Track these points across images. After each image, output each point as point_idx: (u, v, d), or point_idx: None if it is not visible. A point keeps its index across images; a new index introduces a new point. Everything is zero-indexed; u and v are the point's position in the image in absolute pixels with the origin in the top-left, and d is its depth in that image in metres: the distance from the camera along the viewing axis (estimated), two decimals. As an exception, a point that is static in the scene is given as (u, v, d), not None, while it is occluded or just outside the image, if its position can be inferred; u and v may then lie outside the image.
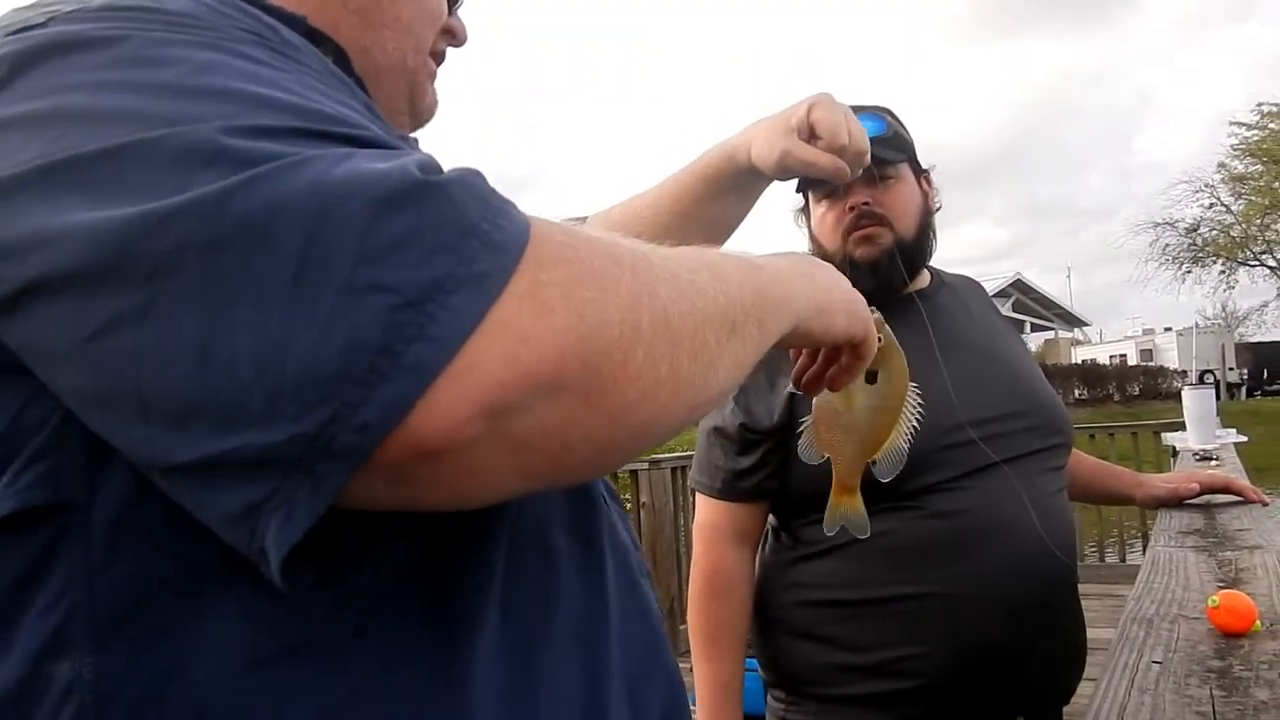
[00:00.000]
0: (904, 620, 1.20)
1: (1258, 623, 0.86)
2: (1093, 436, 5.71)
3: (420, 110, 0.68)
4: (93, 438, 0.39)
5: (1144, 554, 1.34)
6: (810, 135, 0.86)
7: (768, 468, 1.29)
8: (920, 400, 0.87)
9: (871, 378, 0.83)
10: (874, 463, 0.88)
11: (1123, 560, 5.43)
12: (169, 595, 0.41)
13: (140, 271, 0.35)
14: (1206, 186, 30.88)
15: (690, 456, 1.48)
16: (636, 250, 0.42)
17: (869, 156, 0.88)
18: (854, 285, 1.31)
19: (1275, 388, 29.85)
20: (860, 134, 0.85)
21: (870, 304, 1.37)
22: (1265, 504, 1.54)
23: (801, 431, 0.89)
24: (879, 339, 0.83)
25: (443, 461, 0.36)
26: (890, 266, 1.30)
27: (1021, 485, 1.22)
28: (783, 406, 1.27)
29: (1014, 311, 28.29)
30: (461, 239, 0.36)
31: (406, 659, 0.44)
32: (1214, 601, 0.88)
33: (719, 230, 0.97)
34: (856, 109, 1.35)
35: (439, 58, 0.69)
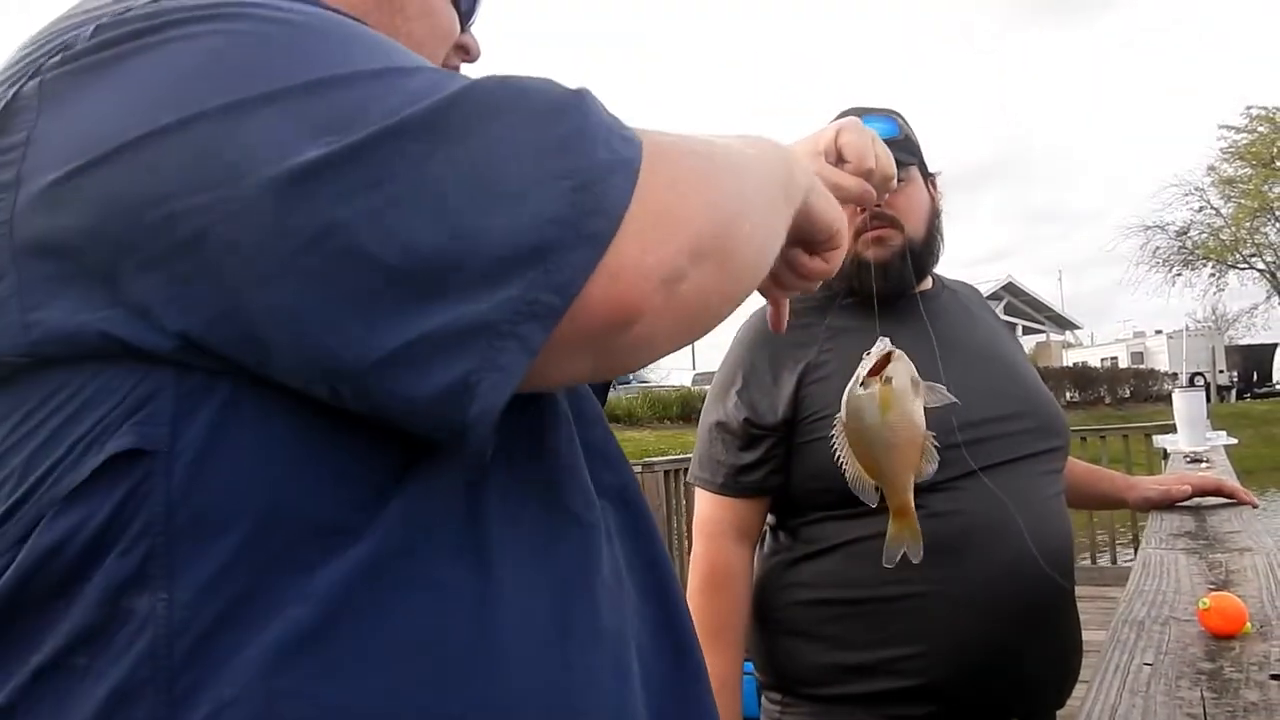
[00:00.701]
0: (903, 620, 1.21)
1: (1248, 625, 0.86)
2: (1084, 439, 5.73)
3: None
4: (184, 392, 0.44)
5: (1135, 556, 1.34)
6: (838, 159, 0.87)
7: (771, 463, 1.30)
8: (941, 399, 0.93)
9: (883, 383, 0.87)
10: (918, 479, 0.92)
11: (1114, 562, 5.46)
12: (238, 537, 0.44)
13: (375, 162, 0.42)
14: (1196, 190, 31.08)
15: (682, 459, 1.49)
16: (709, 142, 0.52)
17: (895, 181, 0.90)
18: (865, 286, 1.30)
19: (1265, 390, 30.00)
20: (887, 158, 0.86)
21: (881, 305, 1.40)
22: (1256, 506, 1.54)
23: (844, 469, 0.94)
24: (878, 357, 0.87)
25: (631, 331, 0.44)
26: (901, 268, 1.32)
27: (1022, 486, 1.23)
28: (787, 402, 1.28)
29: (1005, 314, 28.36)
30: (609, 134, 0.45)
31: (447, 582, 0.48)
32: (1204, 604, 0.88)
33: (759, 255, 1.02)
34: (868, 111, 1.39)
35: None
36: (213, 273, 0.42)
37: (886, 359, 0.95)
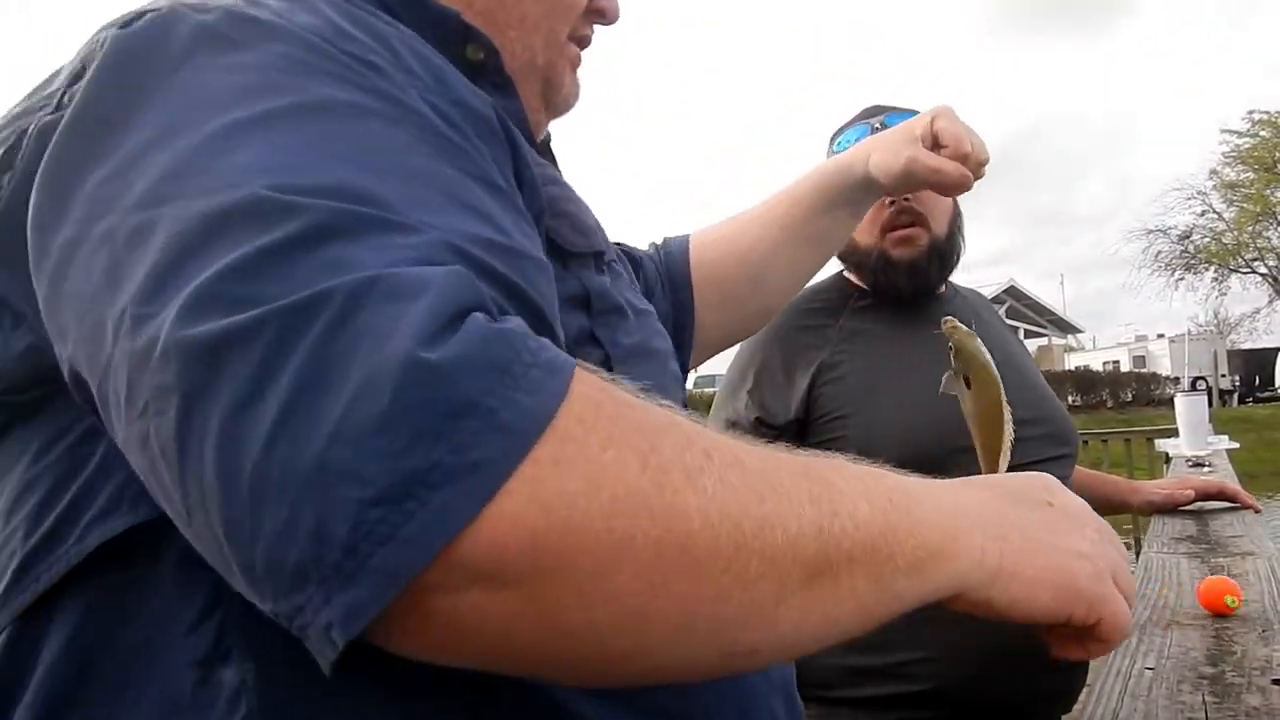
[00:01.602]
0: (918, 623, 1.19)
1: (1229, 598, 0.93)
2: (1086, 443, 5.72)
3: (556, 103, 0.66)
4: None
5: (1137, 560, 1.34)
6: (934, 145, 0.87)
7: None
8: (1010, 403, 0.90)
9: (967, 383, 0.84)
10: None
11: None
12: None
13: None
14: (1199, 194, 31.03)
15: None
16: (702, 449, 0.35)
17: (986, 169, 0.90)
18: (891, 284, 1.28)
19: (1267, 395, 29.95)
20: (981, 145, 0.87)
21: (902, 305, 1.31)
22: (1259, 510, 1.54)
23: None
24: (951, 346, 0.84)
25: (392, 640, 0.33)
26: (928, 268, 1.31)
27: None
28: (800, 402, 1.27)
29: (1007, 317, 28.31)
30: (454, 421, 0.30)
31: None
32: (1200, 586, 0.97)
33: (827, 246, 0.99)
34: (894, 110, 1.39)
35: (584, 42, 0.67)
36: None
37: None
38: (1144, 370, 29.25)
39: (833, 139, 1.44)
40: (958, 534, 0.43)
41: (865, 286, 1.35)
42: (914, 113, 1.39)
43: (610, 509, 0.32)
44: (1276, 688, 0.69)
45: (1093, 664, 0.85)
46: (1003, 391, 0.85)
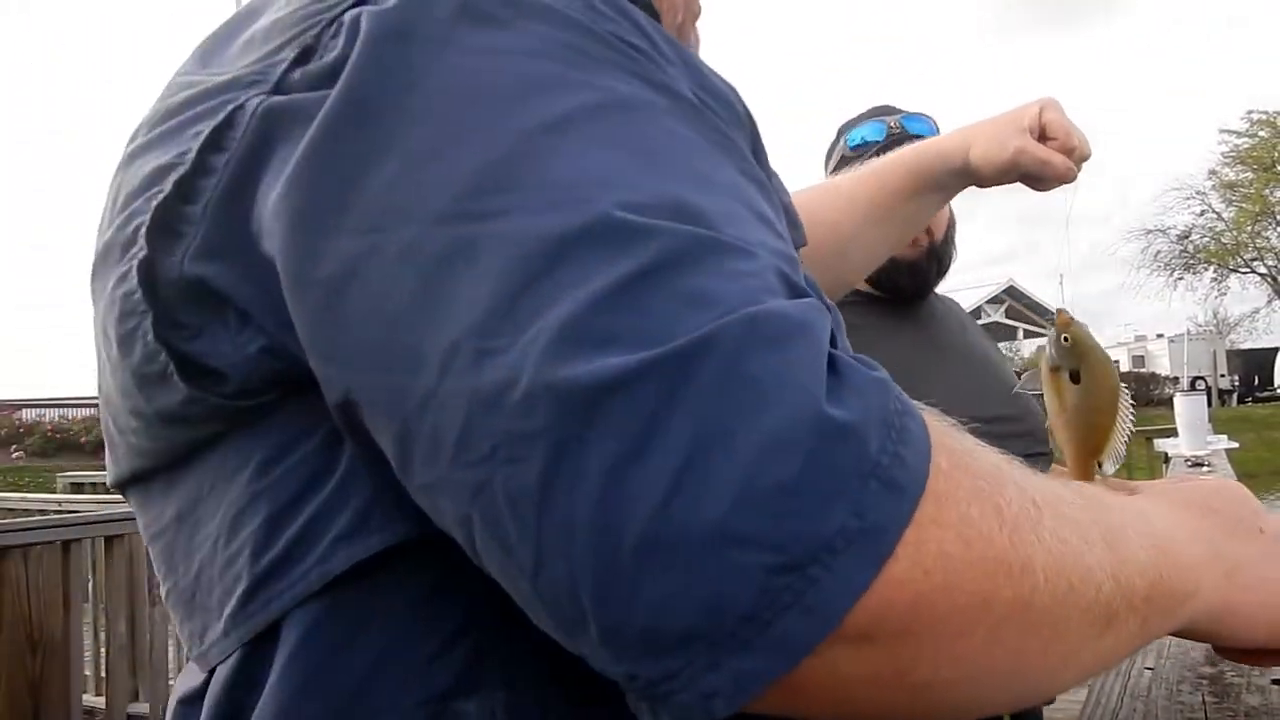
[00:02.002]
0: None
1: None
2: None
3: None
4: None
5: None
6: (1041, 136, 0.86)
7: None
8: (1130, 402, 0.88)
9: (1075, 377, 0.82)
10: (1099, 464, 0.88)
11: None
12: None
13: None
14: (1198, 194, 31.07)
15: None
16: (1030, 497, 0.34)
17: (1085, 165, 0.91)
18: (893, 283, 1.34)
19: (1266, 394, 29.98)
20: (1085, 139, 0.87)
21: (891, 305, 1.37)
22: None
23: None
24: (1066, 339, 0.82)
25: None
26: (928, 269, 1.37)
27: None
28: None
29: (1006, 318, 28.36)
30: (871, 469, 0.29)
31: None
32: None
33: (909, 228, 0.98)
34: (900, 111, 1.44)
35: None
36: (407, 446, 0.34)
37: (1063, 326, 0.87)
38: (1143, 370, 29.28)
39: (842, 132, 1.46)
40: (1202, 577, 0.43)
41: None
42: (927, 118, 1.45)
43: (979, 570, 0.31)
44: (1276, 688, 0.70)
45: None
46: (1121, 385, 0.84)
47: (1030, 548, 0.32)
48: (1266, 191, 30.12)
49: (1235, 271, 32.00)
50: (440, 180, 0.33)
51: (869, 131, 1.42)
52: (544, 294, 0.30)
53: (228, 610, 0.40)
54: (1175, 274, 31.76)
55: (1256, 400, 29.21)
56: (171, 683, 3.30)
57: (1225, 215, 31.12)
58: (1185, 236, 31.78)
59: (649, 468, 0.28)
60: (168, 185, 0.38)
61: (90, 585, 3.53)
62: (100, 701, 3.09)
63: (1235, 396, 29.87)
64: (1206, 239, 31.80)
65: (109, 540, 2.96)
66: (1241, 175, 30.72)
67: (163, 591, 0.47)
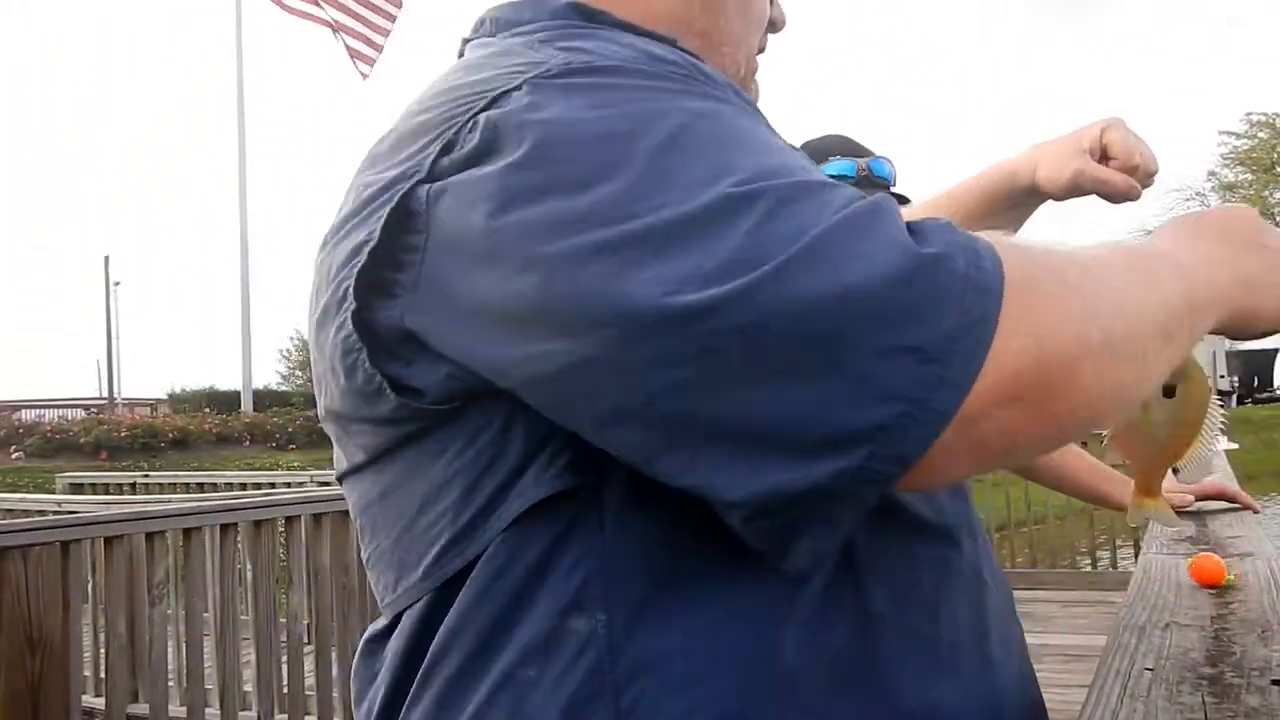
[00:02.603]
0: None
1: (1229, 576, 1.02)
2: (1085, 444, 5.72)
3: None
4: None
5: (1136, 561, 1.34)
6: (1103, 156, 0.88)
7: None
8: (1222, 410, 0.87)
9: (1170, 391, 0.82)
10: (1176, 470, 0.87)
11: (1115, 567, 5.44)
12: (666, 563, 0.51)
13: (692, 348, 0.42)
14: (1198, 194, 31.06)
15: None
16: (1079, 265, 0.46)
17: (1155, 180, 0.91)
18: None
19: (1266, 396, 29.98)
20: (1151, 156, 0.88)
21: None
22: (1257, 511, 1.55)
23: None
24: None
25: (939, 477, 0.45)
26: None
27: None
28: None
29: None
30: (963, 289, 0.41)
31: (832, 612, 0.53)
32: (1189, 562, 1.06)
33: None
34: (871, 156, 1.60)
35: (761, 50, 0.73)
36: (584, 402, 0.47)
37: None
38: (1143, 371, 29.16)
39: (808, 154, 1.50)
40: (1222, 293, 0.54)
41: None
42: (887, 160, 1.60)
43: (1066, 324, 0.43)
44: (1276, 688, 0.70)
45: (1091, 665, 0.85)
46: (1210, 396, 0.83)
47: (1098, 299, 0.45)
48: (1266, 193, 30.13)
49: (1235, 273, 31.91)
50: (608, 196, 0.45)
51: (842, 168, 1.59)
52: (710, 250, 0.42)
53: (426, 561, 0.54)
54: (1175, 275, 31.70)
55: (1256, 402, 29.21)
56: (171, 684, 3.32)
57: (1224, 217, 31.05)
58: (1185, 238, 31.72)
59: (850, 305, 0.41)
60: (363, 257, 0.51)
61: (90, 586, 3.54)
62: (100, 702, 3.09)
63: (1235, 398, 29.86)
64: (1206, 240, 31.72)
65: (108, 541, 2.96)
66: (1241, 177, 30.73)
67: (364, 556, 0.62)
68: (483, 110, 0.49)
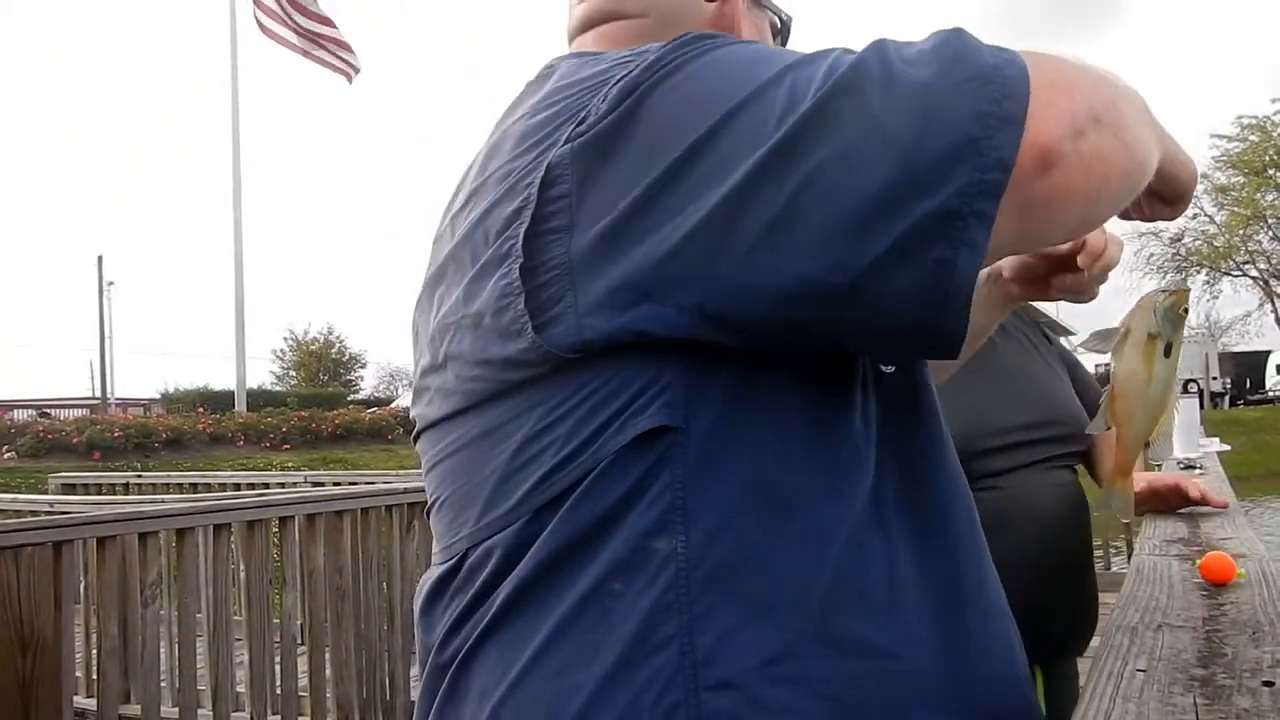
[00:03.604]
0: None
1: (1240, 572, 1.03)
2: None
3: None
4: (693, 380, 0.58)
5: (1129, 562, 1.35)
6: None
7: None
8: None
9: (1168, 350, 0.82)
10: (1148, 445, 0.88)
11: (1108, 569, 5.46)
12: (743, 497, 0.59)
13: (810, 142, 0.52)
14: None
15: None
16: (1093, 66, 0.56)
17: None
18: None
19: (1257, 397, 30.10)
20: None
21: None
22: (1225, 506, 1.55)
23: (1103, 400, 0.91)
24: (1185, 311, 0.83)
25: (1051, 175, 0.51)
26: None
27: (1042, 479, 1.64)
28: None
29: (1000, 320, 28.30)
30: (986, 46, 0.53)
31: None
32: (1200, 561, 1.08)
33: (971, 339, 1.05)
34: None
35: None
36: (723, 244, 0.54)
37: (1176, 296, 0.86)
38: (1135, 373, 29.23)
39: None
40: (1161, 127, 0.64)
41: None
42: None
43: (1088, 86, 0.53)
44: (1267, 689, 0.70)
45: (1085, 667, 0.85)
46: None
47: (1107, 78, 0.55)
48: (1258, 195, 30.26)
49: (1227, 275, 32.14)
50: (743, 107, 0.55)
51: None
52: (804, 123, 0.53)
53: (522, 490, 0.62)
54: (1168, 277, 31.85)
55: (1248, 403, 29.31)
56: (163, 685, 3.31)
57: (1217, 219, 31.24)
58: (1178, 240, 31.92)
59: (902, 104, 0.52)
60: (525, 218, 0.60)
61: (82, 586, 3.52)
62: (91, 703, 3.08)
63: (1227, 399, 29.97)
64: (1199, 242, 31.95)
65: (101, 541, 2.95)
66: (1233, 179, 30.85)
67: (436, 501, 0.70)
68: (616, 82, 0.60)
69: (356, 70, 15.65)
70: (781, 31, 0.85)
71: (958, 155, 0.50)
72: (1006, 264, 0.99)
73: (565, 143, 0.60)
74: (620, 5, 0.79)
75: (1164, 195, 0.70)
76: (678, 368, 0.59)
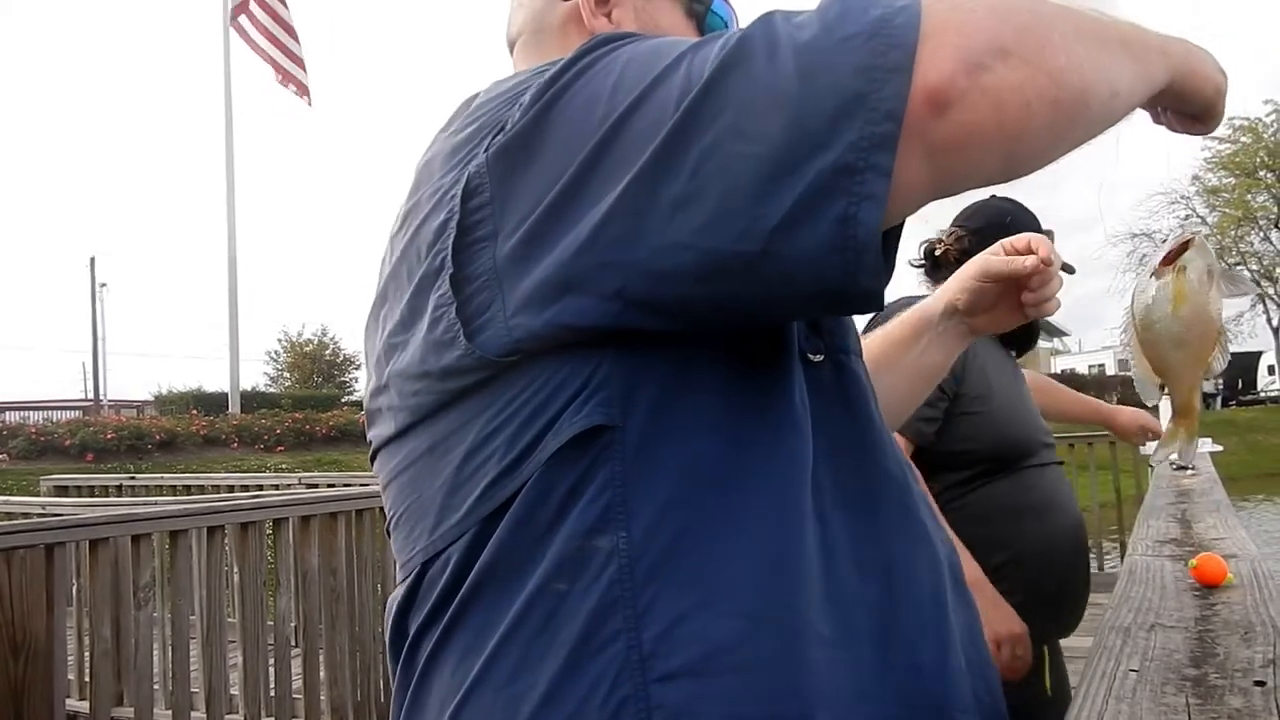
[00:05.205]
0: (1001, 575, 1.66)
1: (1230, 576, 1.04)
2: (1072, 445, 5.76)
3: None
4: (626, 376, 0.59)
5: (1121, 563, 1.36)
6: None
7: (938, 421, 1.73)
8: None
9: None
10: (1208, 376, 0.88)
11: (1100, 569, 5.47)
12: (681, 488, 0.59)
13: (700, 123, 0.53)
14: (1182, 198, 31.29)
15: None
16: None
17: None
18: (1012, 335, 1.87)
19: (1250, 398, 30.21)
20: (1047, 244, 0.98)
21: (1009, 344, 1.94)
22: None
23: (1131, 367, 0.94)
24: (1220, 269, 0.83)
25: (950, 115, 0.50)
26: (1032, 329, 1.90)
27: (1056, 475, 1.86)
28: (966, 376, 1.75)
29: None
30: (871, 1, 0.52)
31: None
32: (1193, 564, 1.08)
33: (924, 377, 1.08)
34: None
35: None
36: (635, 227, 0.55)
37: (1184, 246, 0.86)
38: (1128, 373, 29.40)
39: None
40: (1170, 49, 0.64)
41: None
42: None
43: (1003, 11, 0.52)
44: (1258, 689, 0.70)
45: (1077, 666, 0.86)
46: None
47: (1026, 5, 0.53)
48: (1249, 196, 30.38)
49: (1219, 276, 32.11)
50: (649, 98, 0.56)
51: None
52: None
53: (470, 500, 0.62)
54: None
55: (1240, 404, 29.42)
56: (156, 687, 3.29)
57: (1209, 220, 31.34)
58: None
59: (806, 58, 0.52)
60: (451, 229, 0.61)
61: (74, 589, 3.51)
62: (84, 706, 3.06)
63: (1219, 400, 30.07)
64: (1191, 244, 31.88)
65: (93, 543, 2.94)
66: (1224, 181, 30.97)
67: (393, 517, 0.70)
68: (525, 94, 0.61)
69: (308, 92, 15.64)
70: (706, 15, 0.83)
71: (847, 112, 0.50)
72: (961, 300, 1.00)
73: (484, 151, 0.61)
74: (510, 30, 0.85)
75: (1187, 111, 0.69)
76: (612, 363, 0.59)
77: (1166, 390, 0.94)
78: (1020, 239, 0.98)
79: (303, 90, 15.50)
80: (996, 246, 0.99)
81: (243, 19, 15.21)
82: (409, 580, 0.67)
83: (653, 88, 0.55)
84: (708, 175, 0.52)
